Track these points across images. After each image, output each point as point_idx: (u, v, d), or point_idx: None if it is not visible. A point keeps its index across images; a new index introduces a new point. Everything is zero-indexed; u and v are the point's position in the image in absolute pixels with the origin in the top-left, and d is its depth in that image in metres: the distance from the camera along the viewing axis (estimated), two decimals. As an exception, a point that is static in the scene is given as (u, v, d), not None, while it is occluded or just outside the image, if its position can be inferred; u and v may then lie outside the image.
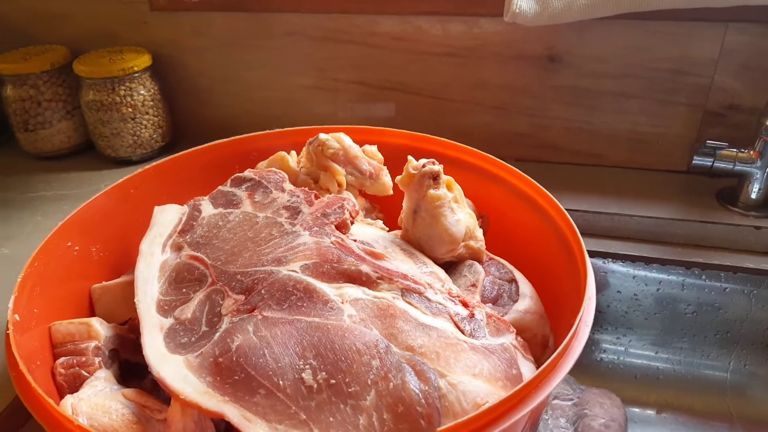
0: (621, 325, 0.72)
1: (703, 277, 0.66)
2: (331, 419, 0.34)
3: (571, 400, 0.60)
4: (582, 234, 0.70)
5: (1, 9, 0.87)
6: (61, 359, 0.41)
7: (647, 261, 0.66)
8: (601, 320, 0.73)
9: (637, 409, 0.70)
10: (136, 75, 0.81)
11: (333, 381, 0.35)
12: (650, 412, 0.70)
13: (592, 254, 0.68)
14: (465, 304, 0.42)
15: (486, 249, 0.53)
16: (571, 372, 0.65)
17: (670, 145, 0.74)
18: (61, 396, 0.39)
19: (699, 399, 0.70)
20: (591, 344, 0.74)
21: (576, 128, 0.76)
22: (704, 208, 0.69)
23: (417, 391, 0.35)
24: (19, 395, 0.34)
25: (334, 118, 0.84)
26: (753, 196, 0.68)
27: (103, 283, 0.51)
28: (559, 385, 0.63)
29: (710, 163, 0.67)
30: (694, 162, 0.67)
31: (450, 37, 0.75)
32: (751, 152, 0.65)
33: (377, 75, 0.80)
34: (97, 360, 0.41)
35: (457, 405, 0.34)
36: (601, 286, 0.71)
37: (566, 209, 0.70)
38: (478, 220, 0.57)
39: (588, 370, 0.73)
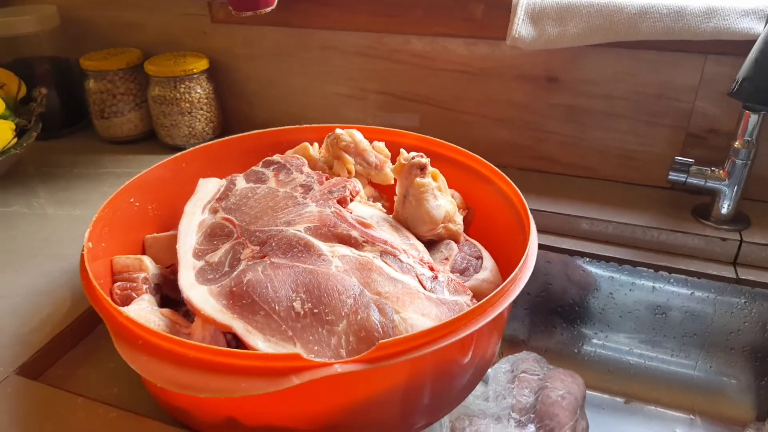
0: (598, 321, 0.79)
1: (671, 281, 0.73)
2: (310, 338, 0.44)
3: (538, 375, 0.68)
4: (563, 235, 0.79)
5: (90, 18, 1.01)
6: (118, 283, 0.53)
7: (619, 262, 0.73)
8: (582, 315, 0.80)
9: (607, 397, 0.77)
10: (195, 76, 0.91)
11: (316, 310, 0.46)
12: (620, 401, 0.77)
13: (571, 253, 0.76)
14: (431, 269, 0.52)
15: (466, 233, 0.63)
16: (551, 360, 0.74)
17: (654, 162, 0.81)
18: (116, 308, 0.51)
19: (666, 393, 0.76)
20: (572, 337, 0.81)
21: (570, 143, 0.83)
22: (679, 220, 0.75)
23: (377, 322, 0.45)
24: (88, 298, 0.46)
25: (364, 124, 0.93)
26: (723, 211, 0.74)
27: (155, 234, 0.60)
28: (529, 362, 0.72)
29: (684, 179, 0.74)
30: (670, 177, 0.74)
31: (463, 56, 0.83)
32: (720, 171, 0.72)
33: (400, 87, 0.89)
34: (144, 287, 0.52)
35: (405, 334, 0.44)
36: (586, 284, 0.78)
37: (551, 212, 0.79)
38: (463, 211, 0.66)
39: (566, 359, 0.80)
